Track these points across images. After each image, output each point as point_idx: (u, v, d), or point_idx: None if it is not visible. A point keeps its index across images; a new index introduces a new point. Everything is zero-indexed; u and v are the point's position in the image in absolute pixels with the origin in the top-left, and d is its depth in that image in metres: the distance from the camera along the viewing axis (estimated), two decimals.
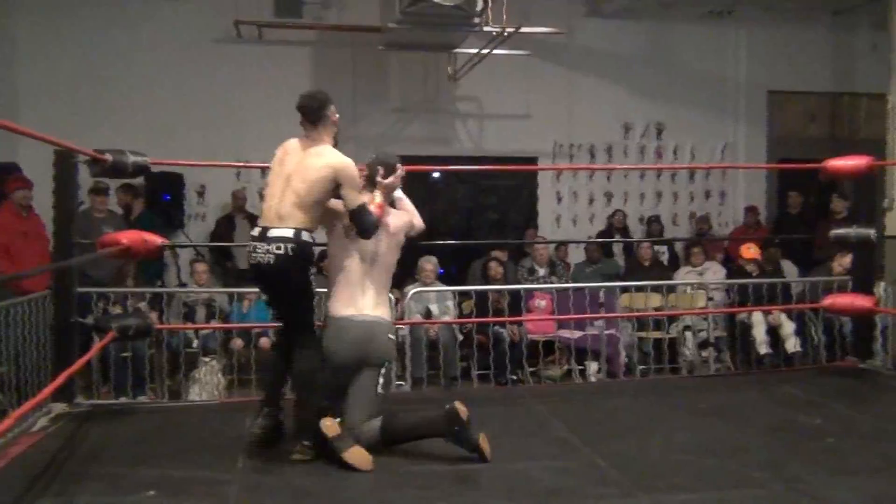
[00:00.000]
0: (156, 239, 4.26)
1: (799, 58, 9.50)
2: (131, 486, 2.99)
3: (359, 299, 3.47)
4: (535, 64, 8.75)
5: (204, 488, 3.00)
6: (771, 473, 3.17)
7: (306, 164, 3.38)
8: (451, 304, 6.70)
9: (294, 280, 3.38)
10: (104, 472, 3.17)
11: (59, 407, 4.08)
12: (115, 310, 5.69)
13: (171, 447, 3.56)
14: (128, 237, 4.11)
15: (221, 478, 3.11)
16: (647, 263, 7.93)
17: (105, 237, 4.23)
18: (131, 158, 3.99)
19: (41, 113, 7.64)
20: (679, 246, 8.95)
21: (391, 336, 3.55)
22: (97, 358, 5.32)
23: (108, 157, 3.88)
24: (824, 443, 3.60)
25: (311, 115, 3.44)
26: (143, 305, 6.11)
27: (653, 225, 9.12)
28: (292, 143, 3.49)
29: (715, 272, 7.80)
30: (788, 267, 8.01)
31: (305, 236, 3.34)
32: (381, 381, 3.47)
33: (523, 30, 6.97)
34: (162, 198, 8.16)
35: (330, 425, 3.23)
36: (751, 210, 9.15)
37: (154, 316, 5.69)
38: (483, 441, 3.30)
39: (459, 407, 3.30)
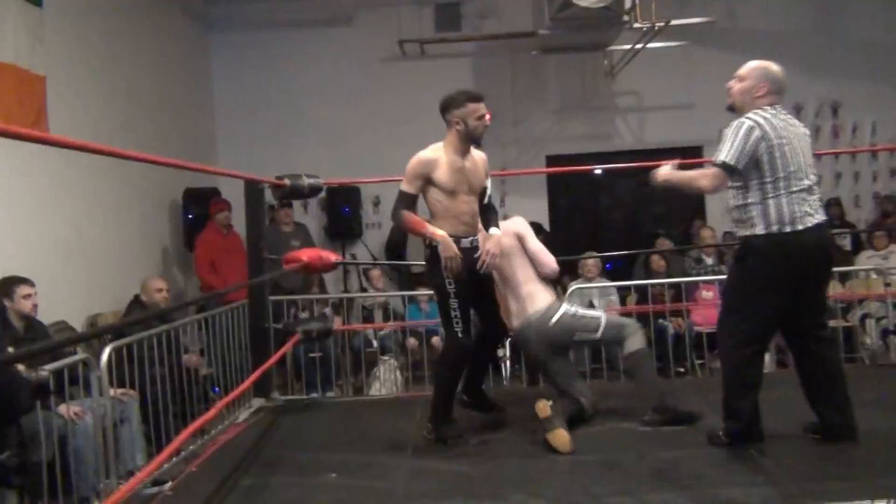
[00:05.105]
0: (331, 256, 4.80)
1: None
2: (317, 468, 3.46)
3: (520, 306, 3.97)
4: (695, 51, 8.60)
5: (378, 471, 3.41)
6: None
7: None
8: (614, 298, 6.83)
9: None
10: (295, 456, 3.68)
11: (259, 402, 4.70)
12: (304, 315, 6.35)
13: (351, 436, 4.03)
14: (307, 255, 4.67)
15: (393, 462, 3.51)
16: None
17: (288, 255, 4.82)
18: (307, 181, 4.52)
19: (235, 142, 8.68)
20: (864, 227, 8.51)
21: (554, 319, 3.88)
22: (290, 358, 5.98)
23: (286, 181, 4.44)
24: None
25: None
26: (328, 310, 6.76)
27: (832, 208, 8.68)
28: None
29: None
30: None
31: None
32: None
33: (674, 22, 6.96)
34: (342, 210, 8.85)
35: (542, 407, 3.59)
36: None
37: (338, 319, 6.31)
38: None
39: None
